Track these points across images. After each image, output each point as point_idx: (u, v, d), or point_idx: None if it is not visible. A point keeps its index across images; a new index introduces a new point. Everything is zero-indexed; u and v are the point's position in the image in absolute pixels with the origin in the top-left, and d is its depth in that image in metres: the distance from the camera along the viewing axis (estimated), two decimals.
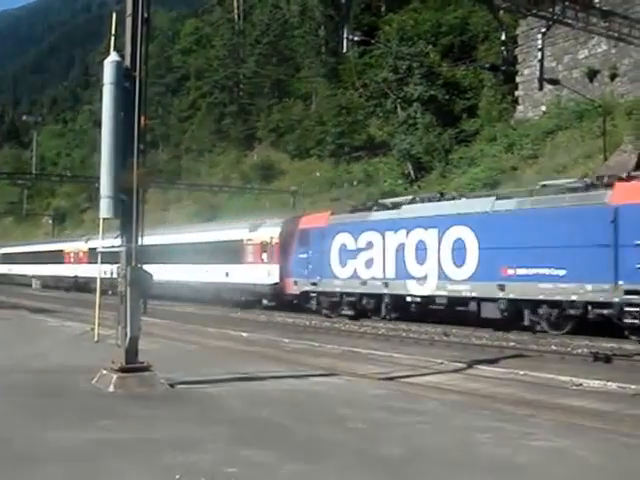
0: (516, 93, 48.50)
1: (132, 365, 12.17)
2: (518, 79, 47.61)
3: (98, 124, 12.64)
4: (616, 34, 22.97)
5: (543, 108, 45.96)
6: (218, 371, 14.03)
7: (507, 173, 42.49)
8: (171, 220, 64.77)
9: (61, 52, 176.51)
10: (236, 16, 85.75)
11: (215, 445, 8.48)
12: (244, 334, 24.47)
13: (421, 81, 50.67)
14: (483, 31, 52.39)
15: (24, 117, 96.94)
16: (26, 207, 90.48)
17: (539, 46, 21.12)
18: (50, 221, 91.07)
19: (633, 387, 14.33)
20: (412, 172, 49.89)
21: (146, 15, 12.54)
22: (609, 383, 14.74)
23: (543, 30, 22.05)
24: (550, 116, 44.68)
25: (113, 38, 12.86)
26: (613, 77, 42.12)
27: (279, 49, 73.37)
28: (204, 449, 8.29)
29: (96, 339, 13.14)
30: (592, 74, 43.18)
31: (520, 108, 48.29)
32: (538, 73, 21.19)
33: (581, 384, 14.90)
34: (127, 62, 12.44)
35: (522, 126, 46.32)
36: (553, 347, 21.12)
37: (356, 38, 19.53)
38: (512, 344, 22.13)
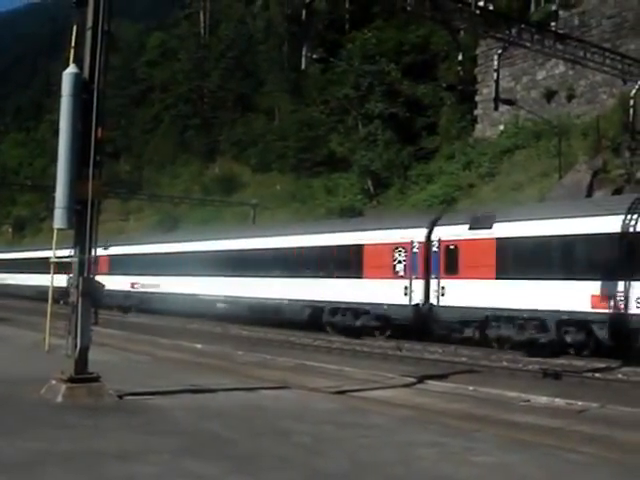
0: (475, 112, 49.09)
1: (81, 376, 12.06)
2: (477, 98, 48.20)
3: (58, 134, 12.61)
4: (571, 56, 23.36)
5: (501, 127, 46.55)
6: (169, 383, 13.99)
7: (464, 190, 42.98)
8: (131, 230, 64.28)
9: (26, 62, 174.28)
10: (202, 30, 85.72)
11: (159, 457, 8.47)
12: (198, 346, 24.39)
13: (382, 98, 51.13)
14: (444, 50, 52.94)
15: None
16: None
17: (495, 67, 21.40)
18: (10, 229, 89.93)
19: (580, 404, 14.59)
20: (371, 188, 50.19)
21: (106, 28, 12.52)
22: (557, 399, 15.00)
23: (499, 51, 22.30)
24: (508, 135, 45.28)
25: (73, 50, 12.81)
26: (570, 98, 42.81)
27: (243, 64, 73.43)
28: (148, 461, 8.27)
29: (47, 349, 13.02)
30: (550, 95, 43.91)
31: (479, 127, 48.87)
32: (494, 93, 21.48)
33: (529, 400, 15.13)
34: (86, 74, 12.43)
35: (480, 144, 46.91)
36: (504, 363, 21.45)
37: (315, 56, 19.60)
38: (464, 359, 22.41)
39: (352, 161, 51.67)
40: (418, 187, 47.16)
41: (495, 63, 21.51)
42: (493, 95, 23.38)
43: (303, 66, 18.83)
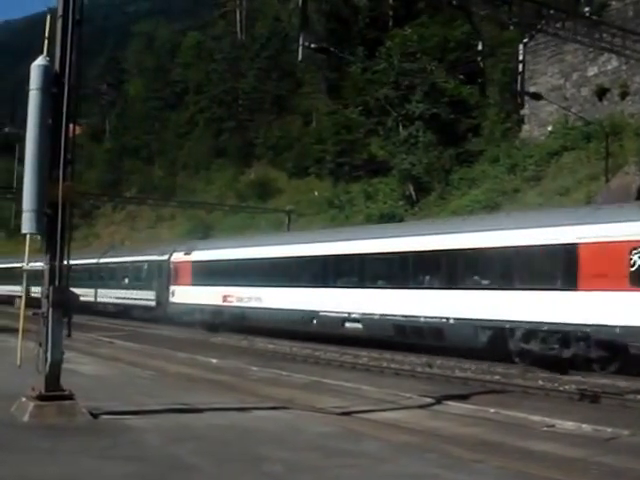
0: (522, 112, 47.08)
1: (52, 393, 11.22)
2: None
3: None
4: (612, 47, 21.72)
5: (549, 128, 44.64)
6: (159, 401, 13.16)
7: (508, 195, 41.34)
8: (163, 238, 63.64)
9: None
10: (238, 29, 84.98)
11: None
12: (214, 361, 23.39)
13: (423, 98, 49.41)
14: (488, 46, 50.71)
15: (6, 129, 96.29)
16: (15, 222, 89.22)
17: (520, 57, 20.05)
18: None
19: (609, 430, 12.97)
20: (413, 193, 48.62)
21: (78, 17, 11.74)
22: (584, 425, 13.34)
23: (525, 40, 21.10)
24: (556, 136, 43.42)
25: (47, 42, 11.98)
26: (624, 95, 40.86)
27: (280, 63, 71.59)
28: None
29: (19, 363, 12.08)
30: (601, 92, 41.99)
31: (526, 127, 46.87)
32: (519, 87, 20.13)
33: (554, 425, 13.57)
34: (57, 67, 11.63)
35: (526, 146, 45.17)
36: (540, 382, 19.80)
37: (313, 45, 18.46)
38: (497, 378, 20.79)
39: (393, 165, 50.08)
40: (460, 192, 45.53)
41: (521, 53, 20.07)
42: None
43: (300, 57, 17.78)
